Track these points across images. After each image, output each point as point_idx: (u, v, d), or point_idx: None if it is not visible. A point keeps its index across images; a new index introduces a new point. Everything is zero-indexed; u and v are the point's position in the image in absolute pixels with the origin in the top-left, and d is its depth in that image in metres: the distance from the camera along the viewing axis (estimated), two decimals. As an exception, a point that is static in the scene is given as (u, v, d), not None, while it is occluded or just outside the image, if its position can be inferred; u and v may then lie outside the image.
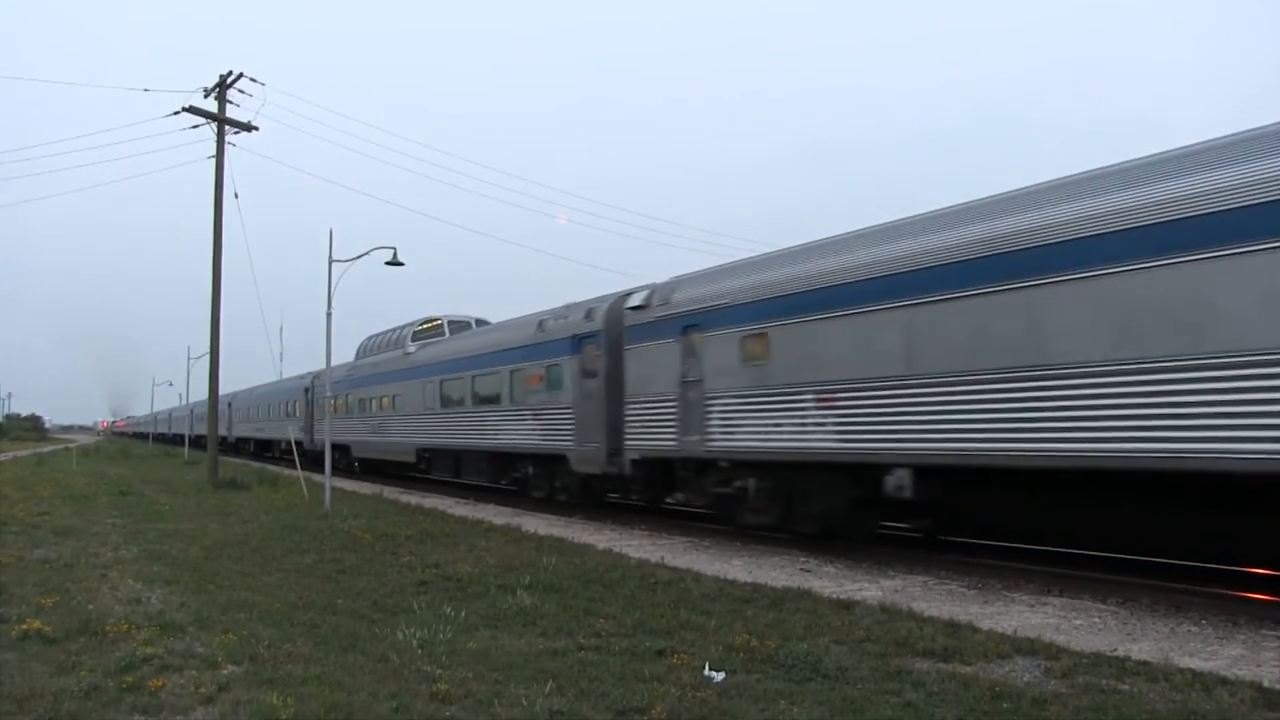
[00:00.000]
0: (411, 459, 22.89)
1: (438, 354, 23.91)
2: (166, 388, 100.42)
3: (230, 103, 26.73)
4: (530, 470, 19.81)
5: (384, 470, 27.77)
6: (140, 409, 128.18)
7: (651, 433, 15.24)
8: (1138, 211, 8.69)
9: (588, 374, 17.15)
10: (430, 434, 23.52)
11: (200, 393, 44.92)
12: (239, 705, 5.45)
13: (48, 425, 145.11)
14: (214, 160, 26.46)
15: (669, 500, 16.82)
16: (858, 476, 11.70)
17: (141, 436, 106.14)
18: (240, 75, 26.57)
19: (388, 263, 18.66)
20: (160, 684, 5.85)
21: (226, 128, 26.65)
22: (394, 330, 27.07)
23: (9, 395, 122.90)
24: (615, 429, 16.21)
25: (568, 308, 18.81)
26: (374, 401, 27.89)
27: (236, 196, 26.54)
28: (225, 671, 6.23)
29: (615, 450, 16.21)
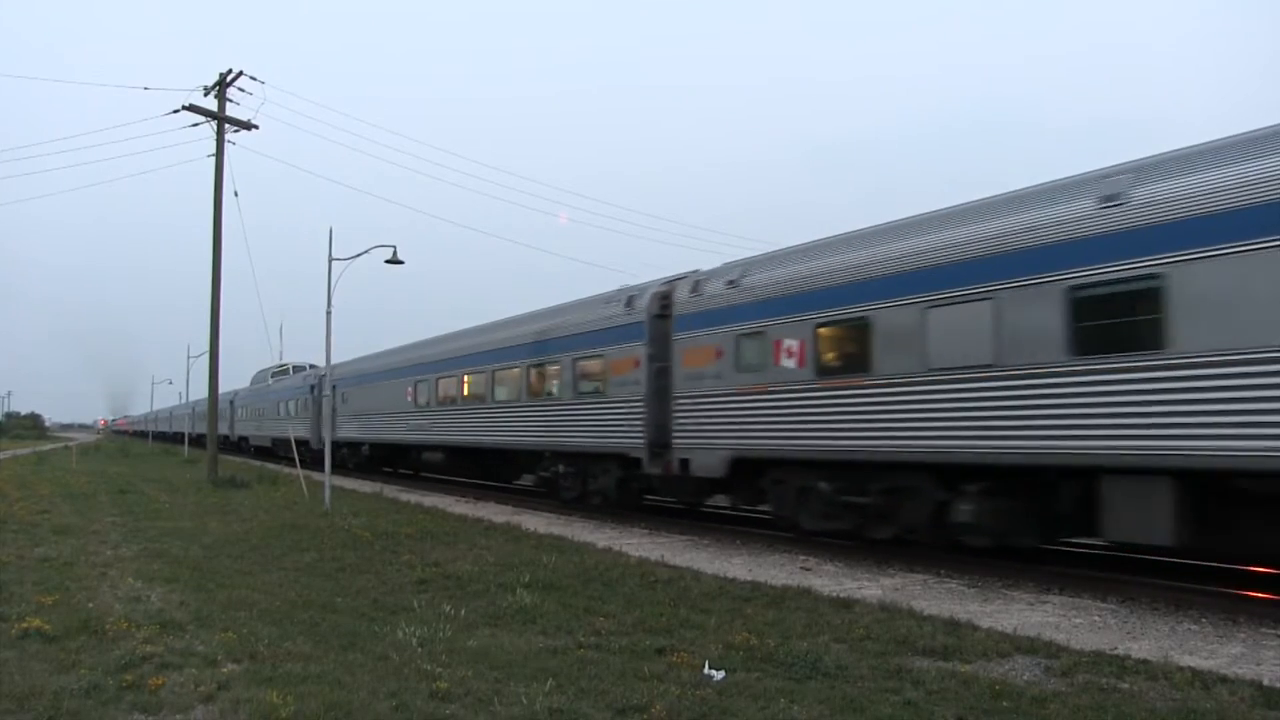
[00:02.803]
0: (269, 445, 41.93)
1: (280, 387, 43.60)
2: (166, 386, 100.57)
3: (230, 101, 26.72)
4: (295, 446, 36.19)
5: (269, 453, 45.34)
6: (140, 408, 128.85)
7: (337, 429, 30.56)
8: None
9: (316, 405, 34.20)
10: (273, 430, 41.64)
11: (200, 391, 46.79)
12: (239, 703, 5.45)
13: (48, 424, 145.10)
14: (214, 159, 26.47)
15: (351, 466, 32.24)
16: (360, 446, 31.03)
17: (141, 435, 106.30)
18: (240, 74, 26.56)
19: (387, 261, 18.67)
20: (160, 682, 5.85)
21: (226, 126, 26.63)
22: (267, 369, 47.69)
23: (9, 394, 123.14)
24: (318, 428, 33.05)
25: (308, 373, 39.18)
26: (256, 411, 48.80)
27: (236, 195, 26.60)
28: (225, 670, 6.23)
29: (320, 440, 30.45)
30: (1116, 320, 9.10)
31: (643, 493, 17.32)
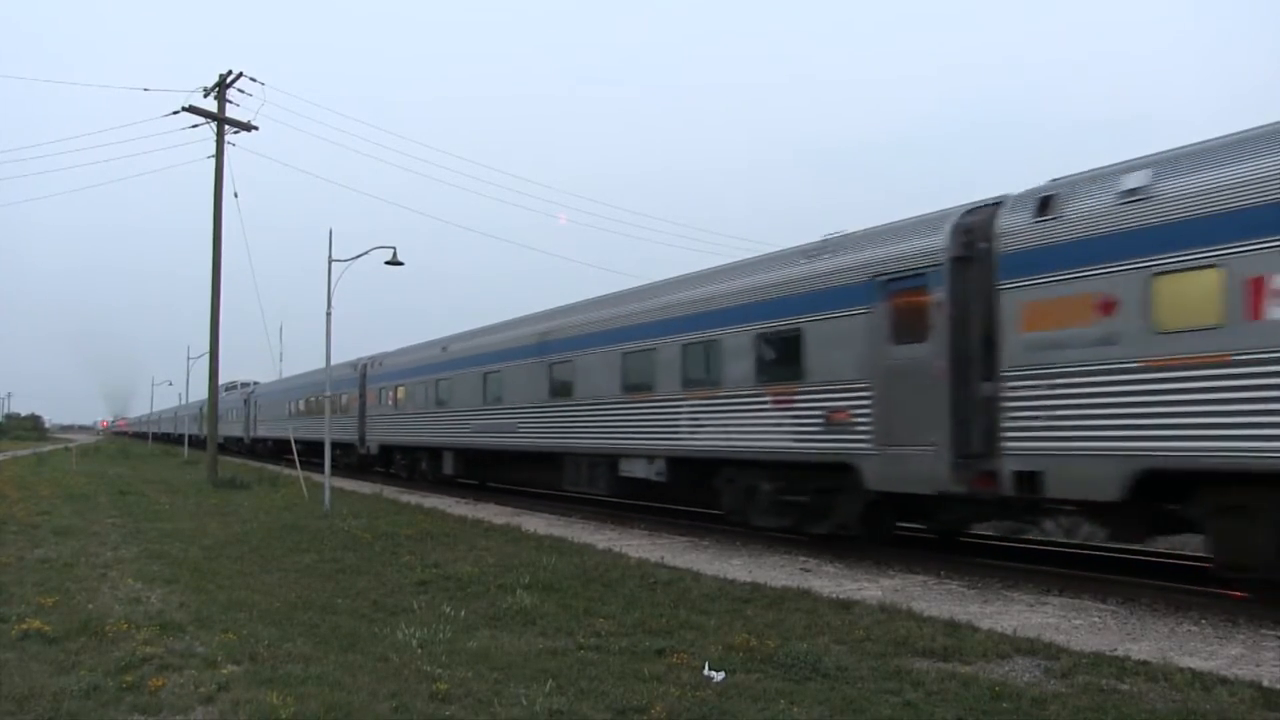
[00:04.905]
0: (221, 441, 49.88)
1: (228, 398, 53.36)
2: (166, 387, 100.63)
3: (230, 102, 26.74)
4: (295, 447, 48.10)
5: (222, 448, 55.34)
6: (140, 409, 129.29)
7: (257, 429, 48.80)
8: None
9: (246, 411, 50.90)
10: (224, 430, 49.42)
11: (199, 393, 49.18)
12: (239, 704, 5.45)
13: (48, 425, 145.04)
14: (214, 160, 26.48)
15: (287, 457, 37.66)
16: (267, 441, 45.52)
17: (141, 436, 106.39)
18: (240, 75, 26.58)
19: (387, 262, 18.68)
20: (160, 683, 5.85)
21: (226, 127, 26.65)
22: (220, 384, 56.89)
23: (9, 395, 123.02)
24: (248, 428, 50.88)
25: (245, 389, 52.44)
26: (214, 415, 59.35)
27: (236, 196, 26.64)
28: (225, 671, 6.23)
29: (249, 435, 50.44)
30: (449, 394, 23.71)
31: (371, 466, 30.96)
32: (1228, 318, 8.02)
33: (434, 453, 25.05)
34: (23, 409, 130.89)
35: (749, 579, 10.21)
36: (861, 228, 12.42)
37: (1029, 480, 9.41)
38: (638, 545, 13.63)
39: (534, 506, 19.87)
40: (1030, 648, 6.99)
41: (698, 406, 14.14)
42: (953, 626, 7.74)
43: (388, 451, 28.94)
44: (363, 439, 29.84)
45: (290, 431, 31.38)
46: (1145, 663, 6.54)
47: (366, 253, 18.76)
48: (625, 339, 16.19)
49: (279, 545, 12.76)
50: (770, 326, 12.86)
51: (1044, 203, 9.72)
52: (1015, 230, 9.83)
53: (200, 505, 19.26)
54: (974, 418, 10.00)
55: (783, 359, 12.68)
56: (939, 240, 10.49)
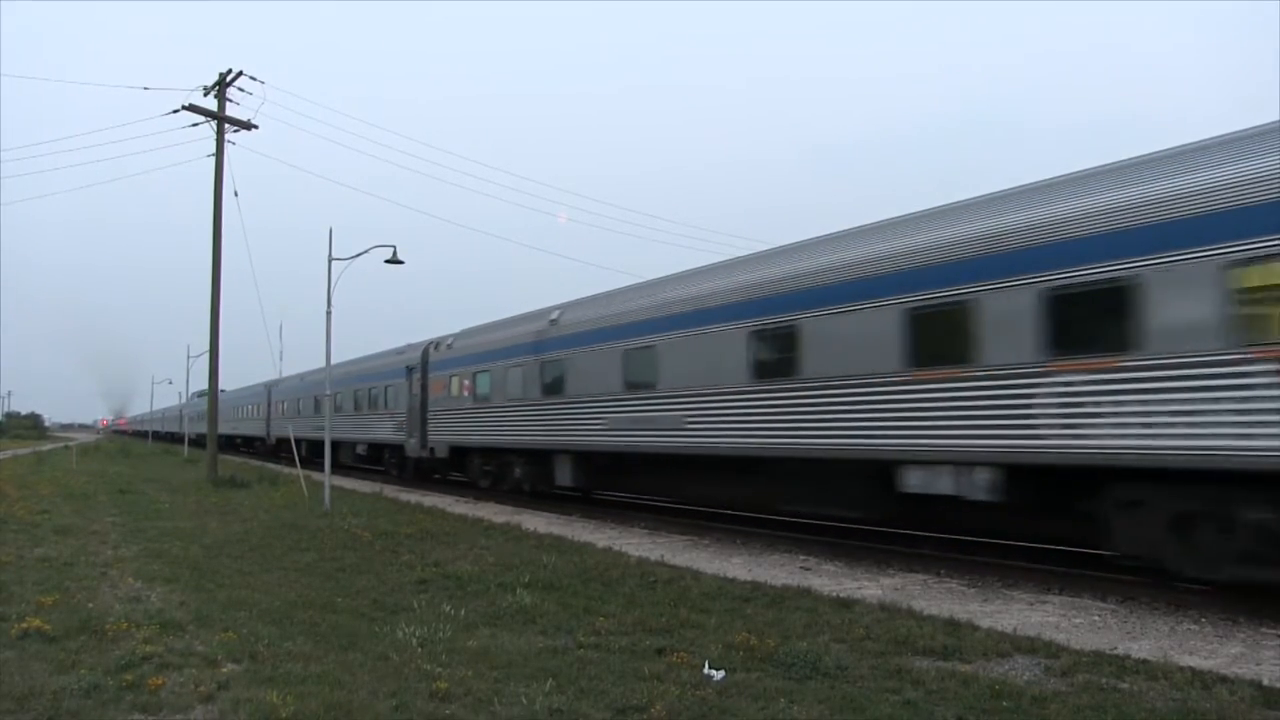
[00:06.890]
0: (194, 437, 55.87)
1: (201, 402, 58.45)
2: (166, 386, 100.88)
3: (230, 101, 26.71)
4: (295, 446, 49.41)
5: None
6: (141, 408, 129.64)
7: (224, 427, 46.04)
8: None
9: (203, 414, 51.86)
10: (202, 429, 59.46)
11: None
12: (239, 703, 5.45)
13: (48, 424, 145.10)
14: (214, 159, 26.47)
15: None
16: (234, 438, 58.07)
17: (141, 435, 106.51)
18: (240, 74, 26.55)
19: (387, 261, 18.67)
20: (160, 682, 5.85)
21: (226, 126, 26.63)
22: (198, 390, 64.89)
23: (9, 394, 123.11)
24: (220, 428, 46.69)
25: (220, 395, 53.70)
26: (194, 418, 63.44)
27: (236, 195, 26.59)
28: (225, 670, 6.23)
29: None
30: (308, 407, 38.71)
31: (277, 452, 39.95)
32: (490, 392, 21.15)
33: (297, 442, 36.64)
34: (23, 408, 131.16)
35: (749, 578, 10.21)
36: (420, 339, 26.74)
37: (433, 450, 23.78)
38: (637, 544, 13.64)
39: (533, 506, 19.89)
40: (1030, 646, 6.99)
41: (371, 420, 29.76)
42: (953, 625, 7.74)
43: (281, 442, 39.11)
44: (268, 434, 46.25)
45: (290, 431, 31.46)
46: (1145, 661, 6.54)
47: (366, 252, 18.76)
48: (356, 382, 31.25)
49: (279, 544, 12.76)
50: (387, 383, 28.22)
51: (438, 345, 24.42)
52: (432, 354, 24.60)
53: (200, 504, 19.25)
54: (426, 426, 24.14)
55: (387, 399, 28.08)
56: (417, 354, 25.37)
